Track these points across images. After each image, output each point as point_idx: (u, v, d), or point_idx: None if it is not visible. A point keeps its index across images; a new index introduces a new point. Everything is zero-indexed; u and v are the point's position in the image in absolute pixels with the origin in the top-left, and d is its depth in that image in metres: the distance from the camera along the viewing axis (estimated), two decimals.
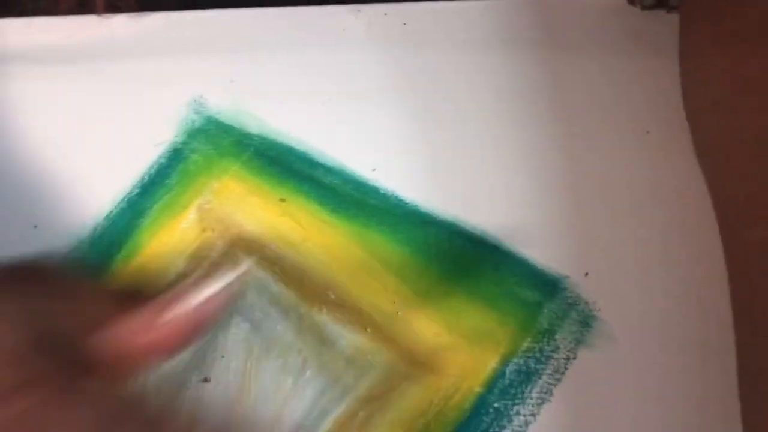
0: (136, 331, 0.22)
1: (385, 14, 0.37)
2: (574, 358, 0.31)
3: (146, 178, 0.33)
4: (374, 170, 0.34)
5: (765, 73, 0.29)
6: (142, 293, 0.23)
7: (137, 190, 0.33)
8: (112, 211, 0.33)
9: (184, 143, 0.34)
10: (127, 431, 0.21)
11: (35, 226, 0.33)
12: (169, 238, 0.33)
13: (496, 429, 0.30)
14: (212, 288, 0.23)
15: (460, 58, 0.36)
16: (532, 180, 0.34)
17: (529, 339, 0.31)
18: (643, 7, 0.36)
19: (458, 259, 0.32)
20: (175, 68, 0.35)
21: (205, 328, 0.23)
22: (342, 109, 0.35)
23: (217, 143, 0.34)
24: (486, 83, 0.36)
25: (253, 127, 0.34)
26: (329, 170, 0.34)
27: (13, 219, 0.33)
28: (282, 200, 0.33)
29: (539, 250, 0.33)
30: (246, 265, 0.23)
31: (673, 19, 0.34)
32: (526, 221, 0.33)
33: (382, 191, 0.33)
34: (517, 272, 0.32)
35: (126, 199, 0.33)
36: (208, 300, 0.23)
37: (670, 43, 0.34)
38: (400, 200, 0.33)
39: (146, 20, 0.36)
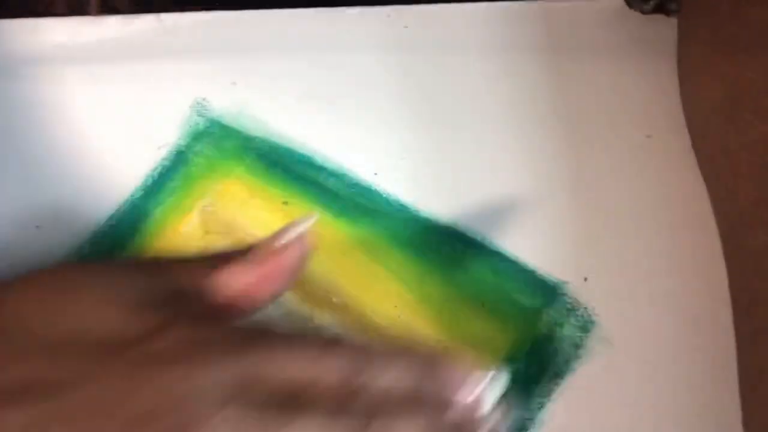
0: (238, 275, 0.26)
1: (388, 17, 0.37)
2: (573, 363, 0.31)
3: (149, 180, 0.33)
4: (376, 174, 0.34)
5: (762, 79, 0.29)
6: (227, 254, 0.27)
7: (140, 193, 0.33)
8: (115, 214, 0.33)
9: (187, 146, 0.34)
10: (266, 344, 0.23)
11: (38, 227, 0.33)
12: (172, 240, 0.33)
13: None
14: (290, 234, 0.27)
15: (461, 61, 0.36)
16: (533, 184, 0.34)
17: (528, 344, 0.31)
18: (644, 12, 0.36)
19: (459, 264, 0.33)
20: (178, 70, 0.35)
21: (294, 271, 0.27)
22: (344, 112, 0.35)
23: (220, 146, 0.34)
24: (487, 87, 0.36)
25: (256, 129, 0.35)
26: (332, 174, 0.34)
27: (15, 220, 0.33)
28: (285, 203, 0.33)
29: (539, 255, 0.33)
30: (313, 217, 0.28)
31: (674, 23, 0.34)
32: (526, 226, 0.33)
33: (384, 195, 0.34)
34: (517, 277, 0.32)
35: (129, 202, 0.33)
36: (290, 246, 0.27)
37: (670, 47, 0.34)
38: (402, 204, 0.33)
39: (144, 21, 0.36)
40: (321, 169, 0.34)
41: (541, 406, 0.31)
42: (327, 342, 0.24)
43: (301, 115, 0.35)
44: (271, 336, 0.24)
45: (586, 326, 0.32)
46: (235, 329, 0.25)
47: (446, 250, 0.33)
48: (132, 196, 0.33)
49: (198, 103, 0.35)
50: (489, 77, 0.36)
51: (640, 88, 0.36)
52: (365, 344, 0.25)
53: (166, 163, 0.34)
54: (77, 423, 0.21)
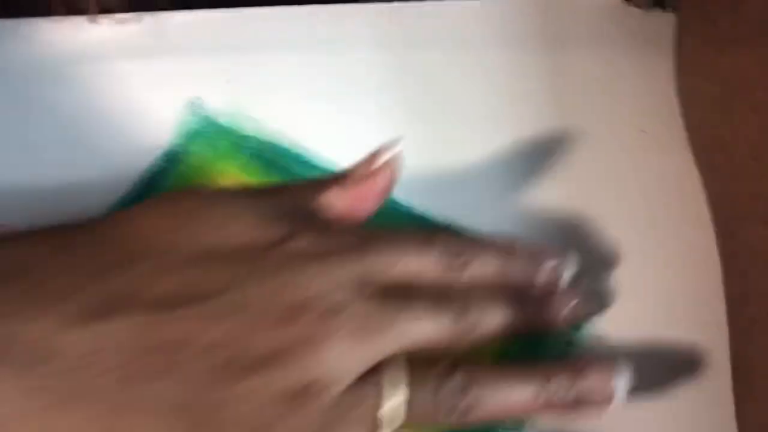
0: (338, 198, 0.29)
1: (383, 13, 0.37)
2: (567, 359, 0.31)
3: (143, 181, 0.33)
4: None
5: (759, 73, 0.29)
6: (328, 179, 0.30)
7: (134, 195, 0.33)
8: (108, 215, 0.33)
9: (181, 146, 0.34)
10: (376, 244, 0.28)
11: None
12: None
13: (493, 428, 0.30)
14: (380, 159, 0.30)
15: (457, 57, 0.36)
16: (528, 180, 0.34)
17: (520, 341, 0.31)
18: (642, 7, 0.36)
19: None
20: (171, 70, 0.35)
21: (386, 192, 0.30)
22: (340, 109, 0.35)
23: (215, 145, 0.34)
24: (483, 82, 0.36)
25: (251, 128, 0.35)
26: (327, 173, 0.34)
27: (8, 222, 0.33)
28: None
29: None
30: (398, 144, 0.30)
31: (670, 18, 0.34)
32: (520, 222, 0.33)
33: None
34: None
35: (123, 204, 0.33)
36: (381, 169, 0.30)
37: (666, 42, 0.34)
38: (397, 203, 0.33)
39: (139, 21, 0.36)
40: (316, 167, 0.34)
41: None
42: (425, 237, 0.29)
43: (297, 114, 0.35)
44: (379, 237, 0.28)
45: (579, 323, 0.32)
46: (351, 233, 0.28)
47: None
48: (126, 197, 0.33)
49: (192, 103, 0.35)
50: (484, 73, 0.36)
51: (635, 83, 0.36)
52: (455, 236, 0.30)
53: (161, 163, 0.34)
54: (234, 320, 0.24)
